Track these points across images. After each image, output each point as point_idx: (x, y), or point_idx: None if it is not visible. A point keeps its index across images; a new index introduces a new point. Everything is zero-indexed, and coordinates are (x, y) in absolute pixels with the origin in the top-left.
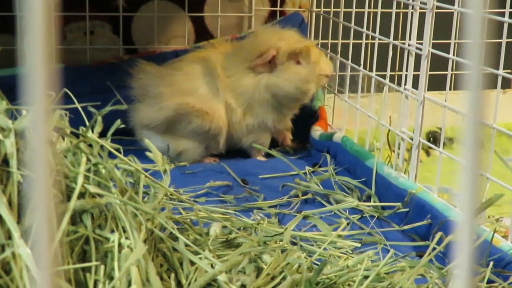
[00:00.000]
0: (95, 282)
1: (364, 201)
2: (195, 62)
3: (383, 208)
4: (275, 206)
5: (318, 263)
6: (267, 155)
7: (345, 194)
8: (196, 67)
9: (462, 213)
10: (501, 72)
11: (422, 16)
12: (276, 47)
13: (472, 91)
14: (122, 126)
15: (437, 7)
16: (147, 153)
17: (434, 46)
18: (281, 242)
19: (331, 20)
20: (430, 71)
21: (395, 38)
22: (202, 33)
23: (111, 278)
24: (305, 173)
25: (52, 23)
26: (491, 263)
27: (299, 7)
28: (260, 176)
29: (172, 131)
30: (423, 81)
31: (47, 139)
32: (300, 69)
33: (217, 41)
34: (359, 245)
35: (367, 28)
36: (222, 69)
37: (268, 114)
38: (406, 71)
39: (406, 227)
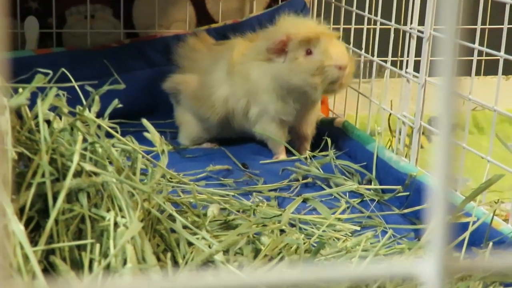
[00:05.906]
0: (91, 261)
1: (364, 185)
2: (227, 47)
3: (383, 191)
4: (275, 190)
5: (317, 245)
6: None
7: (346, 178)
8: (222, 51)
9: (435, 178)
10: (502, 54)
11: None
12: (287, 34)
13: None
14: (119, 106)
15: None
16: (145, 134)
17: (436, 31)
18: (279, 224)
19: (333, 5)
20: (432, 57)
21: (397, 22)
22: (203, 18)
23: (106, 256)
24: (305, 158)
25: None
26: (490, 244)
27: None
28: (260, 162)
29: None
30: (424, 64)
31: None
32: (304, 60)
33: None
34: (358, 228)
35: (369, 12)
36: (241, 56)
37: (271, 103)
38: (408, 55)
39: (406, 210)
